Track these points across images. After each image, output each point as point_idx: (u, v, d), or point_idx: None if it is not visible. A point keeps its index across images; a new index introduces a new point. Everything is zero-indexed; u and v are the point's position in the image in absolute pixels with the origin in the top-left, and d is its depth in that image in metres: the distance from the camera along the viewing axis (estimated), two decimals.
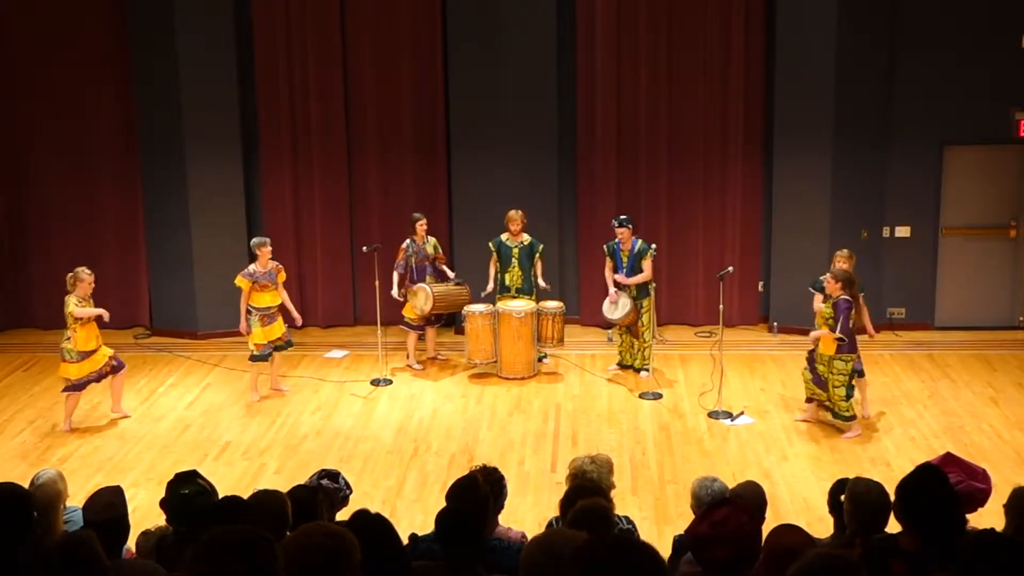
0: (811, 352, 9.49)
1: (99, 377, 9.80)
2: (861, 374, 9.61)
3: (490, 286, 11.26)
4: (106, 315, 9.70)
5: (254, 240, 10.57)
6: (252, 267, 10.38)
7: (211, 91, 12.02)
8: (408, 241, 11.26)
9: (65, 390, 9.74)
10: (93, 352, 9.69)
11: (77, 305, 9.53)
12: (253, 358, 10.45)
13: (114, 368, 9.87)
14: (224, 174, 12.26)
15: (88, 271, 9.72)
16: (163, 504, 4.82)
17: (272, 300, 10.40)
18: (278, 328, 10.48)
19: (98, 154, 12.50)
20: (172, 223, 12.29)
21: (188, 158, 12.07)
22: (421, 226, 11.19)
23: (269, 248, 10.39)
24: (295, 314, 10.64)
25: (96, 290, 12.60)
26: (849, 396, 9.28)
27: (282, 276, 10.53)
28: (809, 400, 9.62)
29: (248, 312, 10.37)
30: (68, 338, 9.61)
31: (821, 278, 9.48)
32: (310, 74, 12.31)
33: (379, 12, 12.21)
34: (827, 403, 9.38)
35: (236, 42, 12.11)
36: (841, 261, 9.51)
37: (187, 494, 4.71)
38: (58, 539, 3.74)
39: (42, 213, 12.64)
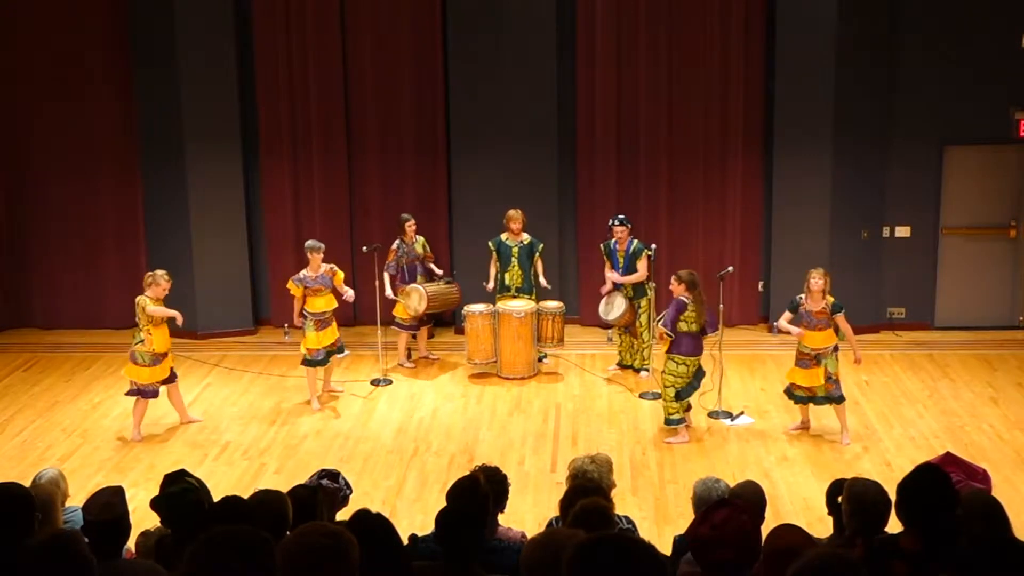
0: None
1: (163, 382, 9.62)
2: (838, 400, 9.21)
3: (490, 285, 11.26)
4: (179, 318, 9.50)
5: (308, 243, 10.32)
6: (303, 272, 10.16)
7: (211, 91, 12.02)
8: (398, 242, 11.27)
9: (130, 393, 9.52)
10: (165, 356, 9.52)
11: (152, 303, 9.36)
12: (306, 362, 10.22)
13: (165, 380, 9.65)
14: (224, 174, 12.26)
15: (167, 276, 9.53)
16: (153, 505, 4.84)
17: (327, 304, 10.15)
18: (332, 333, 10.25)
19: (98, 154, 12.50)
20: (172, 223, 12.30)
21: (188, 158, 12.07)
22: (410, 226, 11.22)
23: (320, 253, 10.15)
24: (345, 294, 10.38)
25: (96, 290, 12.70)
26: (680, 398, 9.24)
27: (339, 277, 10.30)
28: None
29: (303, 316, 10.14)
30: (141, 340, 9.39)
31: (797, 297, 9.23)
32: (310, 74, 12.31)
33: (379, 12, 12.21)
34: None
35: (236, 42, 12.11)
36: (817, 277, 9.06)
37: (174, 492, 4.72)
38: (43, 537, 3.72)
39: (42, 213, 12.64)
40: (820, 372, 9.10)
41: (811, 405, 9.40)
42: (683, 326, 9.13)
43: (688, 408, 9.50)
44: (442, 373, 11.31)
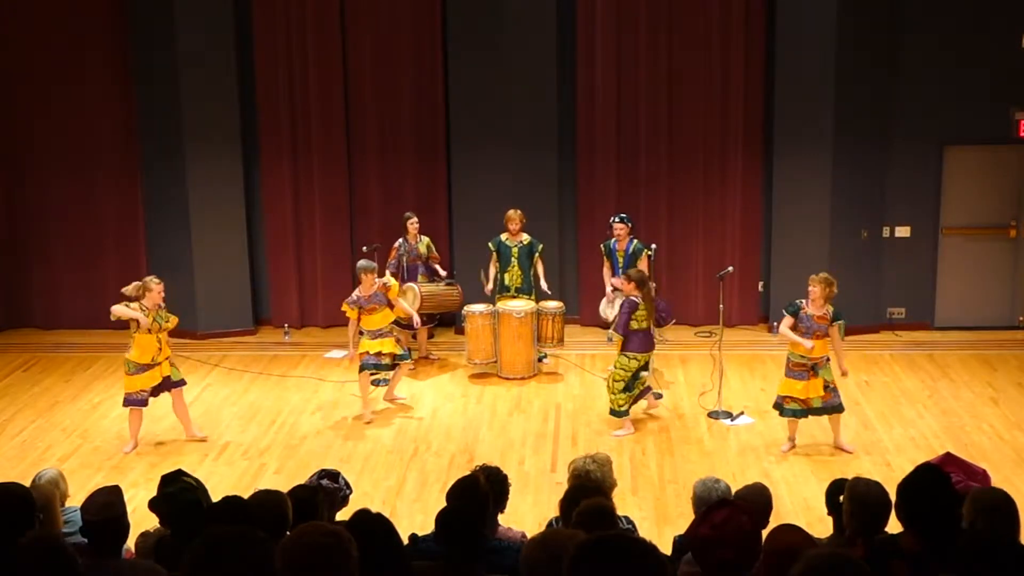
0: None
1: (154, 392, 9.23)
2: (839, 409, 8.94)
3: (488, 286, 11.25)
4: (143, 320, 8.97)
5: (360, 263, 9.99)
6: (355, 293, 9.88)
7: (211, 91, 12.01)
8: (400, 240, 11.28)
9: (124, 404, 9.25)
10: (151, 367, 9.13)
11: (123, 305, 9.01)
12: (363, 367, 9.83)
13: (159, 387, 9.23)
14: (224, 174, 12.26)
15: (157, 280, 9.16)
16: (151, 506, 4.84)
17: (383, 320, 9.83)
18: (391, 343, 9.88)
19: (98, 154, 12.50)
20: (172, 223, 12.29)
21: (188, 158, 12.07)
22: (412, 225, 11.23)
23: (374, 274, 9.87)
24: (413, 317, 10.27)
25: (96, 290, 12.68)
26: (627, 390, 9.40)
27: (392, 292, 9.97)
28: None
29: (360, 333, 9.84)
30: (130, 349, 9.12)
31: (798, 301, 8.92)
32: (310, 74, 12.31)
33: (379, 12, 12.21)
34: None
35: (236, 42, 12.11)
36: (812, 285, 8.78)
37: (171, 492, 4.73)
38: (26, 541, 3.71)
39: (42, 213, 12.64)
40: (819, 383, 8.80)
41: (799, 421, 9.03)
42: (634, 324, 9.30)
43: (659, 396, 9.88)
44: (442, 373, 11.31)
